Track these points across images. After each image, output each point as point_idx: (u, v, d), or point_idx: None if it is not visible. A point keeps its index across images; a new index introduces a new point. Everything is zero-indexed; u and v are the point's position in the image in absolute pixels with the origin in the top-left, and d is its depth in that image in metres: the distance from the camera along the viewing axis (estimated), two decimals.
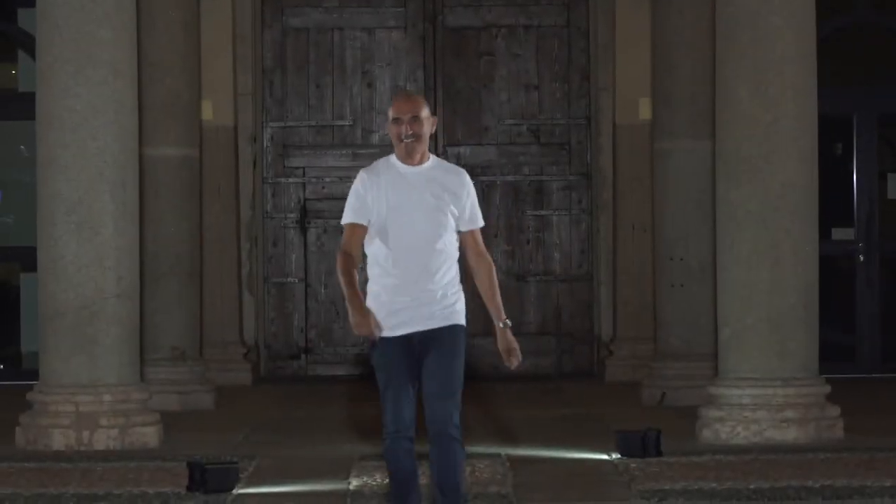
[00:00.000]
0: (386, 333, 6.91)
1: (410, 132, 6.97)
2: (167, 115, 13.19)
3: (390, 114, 7.05)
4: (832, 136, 15.26)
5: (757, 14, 10.49)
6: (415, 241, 6.91)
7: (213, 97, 15.08)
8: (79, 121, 10.39)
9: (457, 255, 7.02)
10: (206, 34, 14.39)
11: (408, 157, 7.00)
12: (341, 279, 6.92)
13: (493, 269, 7.11)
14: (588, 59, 15.85)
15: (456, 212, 7.02)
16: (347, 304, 6.87)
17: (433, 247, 6.93)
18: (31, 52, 13.21)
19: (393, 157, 7.05)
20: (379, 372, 6.98)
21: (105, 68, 10.41)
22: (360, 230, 6.97)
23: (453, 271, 7.01)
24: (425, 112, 7.06)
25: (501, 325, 6.99)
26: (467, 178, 7.13)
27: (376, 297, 6.93)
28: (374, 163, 7.12)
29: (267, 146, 15.93)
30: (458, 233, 7.08)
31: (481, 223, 7.16)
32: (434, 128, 7.11)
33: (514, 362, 6.95)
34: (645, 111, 14.77)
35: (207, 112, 14.86)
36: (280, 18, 15.93)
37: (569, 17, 15.93)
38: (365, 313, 6.84)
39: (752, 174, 10.49)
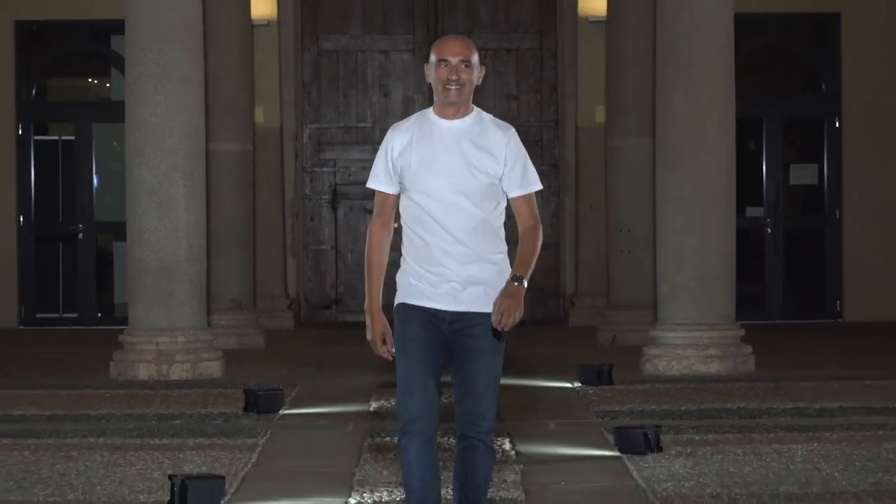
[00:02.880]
0: (412, 301, 4.91)
1: (456, 77, 4.87)
2: (227, 118, 13.16)
3: (433, 57, 4.94)
4: (747, 134, 15.24)
5: (689, 39, 10.46)
6: (445, 206, 4.84)
7: (263, 104, 15.06)
8: (158, 123, 10.37)
9: (500, 224, 4.94)
10: (258, 54, 14.36)
11: (448, 107, 4.90)
12: (365, 268, 5.00)
13: (539, 239, 4.90)
14: (556, 75, 15.81)
15: (497, 173, 4.88)
16: (366, 307, 4.96)
17: (467, 213, 4.85)
18: (121, 69, 13.13)
19: (430, 111, 4.97)
20: (398, 345, 4.91)
21: (178, 81, 10.38)
22: (390, 199, 4.96)
23: (494, 243, 4.90)
24: (475, 57, 4.94)
25: (513, 278, 4.81)
26: (513, 134, 4.97)
27: (407, 266, 4.94)
28: (407, 118, 5.04)
29: (305, 143, 15.89)
30: (509, 198, 4.94)
31: (536, 187, 4.95)
32: (482, 78, 4.99)
33: (504, 323, 4.77)
34: (600, 116, 14.75)
35: (259, 116, 14.84)
36: (316, 42, 15.89)
37: (541, 42, 15.88)
38: (376, 331, 4.89)
39: (685, 165, 10.47)
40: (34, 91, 15.91)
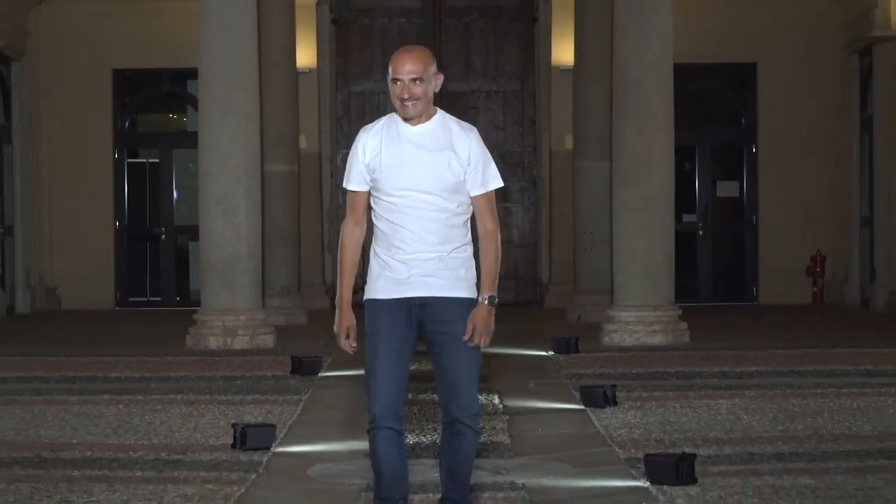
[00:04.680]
0: (380, 295, 4.22)
1: (408, 95, 4.09)
2: (278, 145, 13.15)
3: (389, 71, 4.12)
4: (683, 157, 15.22)
5: (639, 84, 10.43)
6: (414, 203, 4.11)
7: (306, 133, 15.06)
8: (223, 149, 10.36)
9: (467, 218, 4.20)
10: (302, 94, 14.34)
11: (407, 119, 4.14)
12: (338, 267, 4.33)
13: (495, 241, 4.17)
14: (535, 111, 15.78)
15: (461, 171, 4.15)
16: (336, 301, 4.31)
17: (434, 209, 4.12)
18: (195, 106, 13.14)
19: (396, 115, 4.19)
20: (367, 341, 4.24)
21: (239, 116, 10.37)
22: (361, 197, 4.21)
23: (460, 236, 4.17)
24: (429, 70, 4.12)
25: (485, 298, 4.11)
26: (475, 135, 4.25)
27: (376, 259, 4.27)
28: (376, 121, 4.24)
29: (339, 164, 15.84)
30: (470, 196, 4.19)
31: (495, 185, 4.22)
32: (440, 84, 4.19)
33: (477, 341, 4.10)
34: (569, 143, 14.73)
35: (303, 143, 14.83)
36: (347, 85, 15.86)
37: (523, 85, 15.85)
38: (342, 325, 4.27)
39: (635, 182, 10.45)
40: (127, 124, 15.98)
